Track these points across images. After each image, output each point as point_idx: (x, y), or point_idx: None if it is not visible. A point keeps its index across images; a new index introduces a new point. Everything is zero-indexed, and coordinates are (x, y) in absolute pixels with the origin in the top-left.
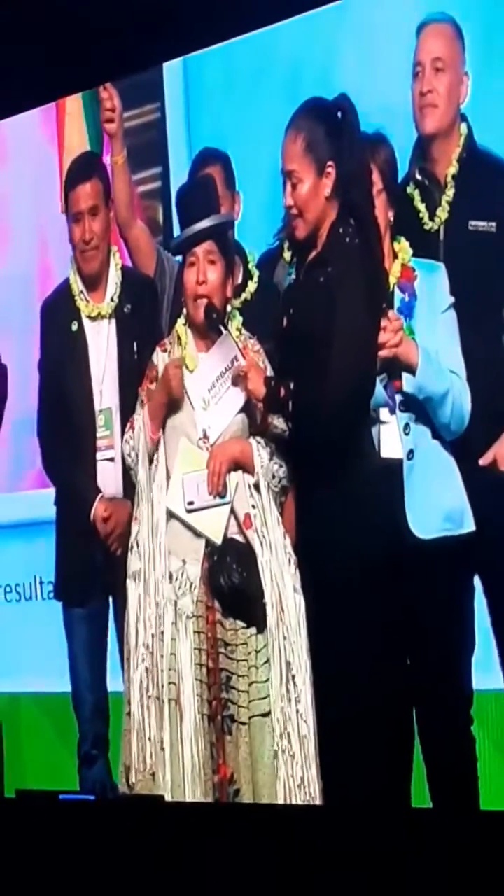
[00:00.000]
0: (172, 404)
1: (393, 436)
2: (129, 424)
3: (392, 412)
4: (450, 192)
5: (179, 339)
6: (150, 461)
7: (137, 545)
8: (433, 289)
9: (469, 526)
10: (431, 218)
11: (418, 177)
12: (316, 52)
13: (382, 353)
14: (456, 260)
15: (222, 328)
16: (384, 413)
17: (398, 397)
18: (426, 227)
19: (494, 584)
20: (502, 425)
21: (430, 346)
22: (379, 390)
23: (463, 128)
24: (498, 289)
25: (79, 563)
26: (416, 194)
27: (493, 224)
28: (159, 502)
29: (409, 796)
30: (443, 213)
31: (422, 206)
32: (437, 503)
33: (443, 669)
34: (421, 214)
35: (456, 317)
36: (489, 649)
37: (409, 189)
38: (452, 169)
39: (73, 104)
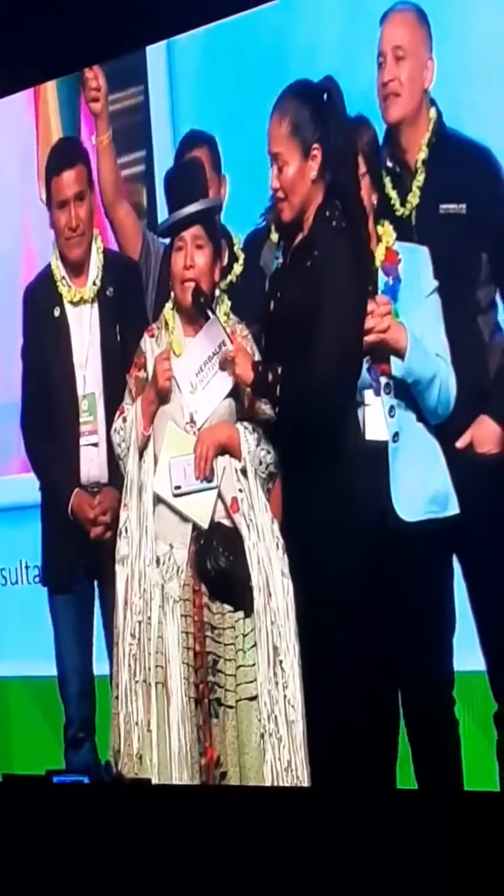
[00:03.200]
0: (163, 399)
1: (378, 418)
2: (118, 413)
3: (377, 394)
4: (420, 178)
5: (167, 323)
6: (141, 455)
7: (126, 531)
8: (417, 272)
9: (454, 509)
10: (403, 204)
11: (389, 164)
12: (300, 35)
13: (369, 338)
14: (428, 244)
15: (210, 312)
16: (369, 395)
17: (383, 380)
18: (398, 213)
19: (476, 565)
20: (480, 408)
21: (416, 329)
22: (364, 373)
23: (432, 112)
24: (472, 270)
25: (64, 549)
26: (388, 181)
27: (463, 206)
28: (147, 488)
29: (395, 778)
30: (413, 198)
31: (393, 193)
32: (422, 486)
33: (426, 650)
34: (392, 201)
35: (440, 300)
36: (470, 631)
37: (381, 176)
38: (422, 154)
39: (47, 91)
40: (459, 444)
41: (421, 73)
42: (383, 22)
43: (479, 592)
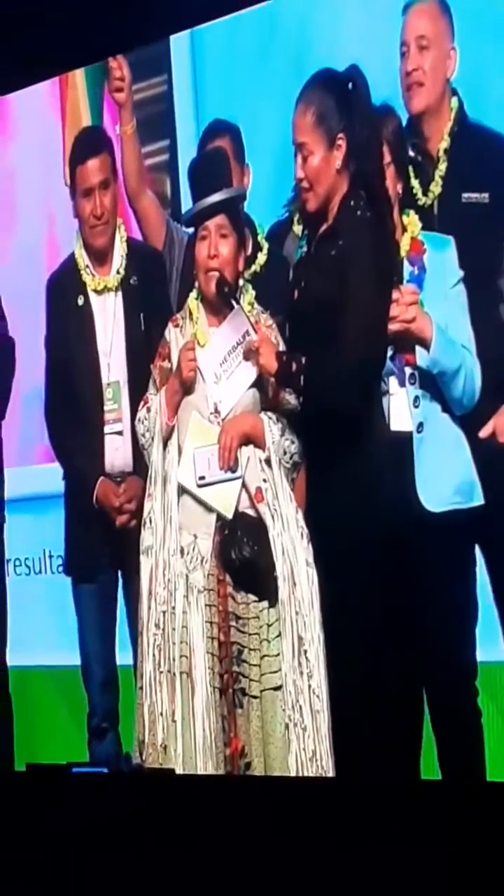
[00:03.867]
0: (187, 389)
1: (403, 409)
2: (142, 403)
3: (402, 385)
4: (442, 167)
5: (191, 313)
6: (165, 445)
7: (150, 521)
8: (442, 262)
9: (478, 499)
10: (425, 193)
11: (411, 153)
12: (323, 24)
13: (394, 327)
14: (451, 233)
15: (234, 302)
16: (394, 385)
17: (408, 370)
18: (420, 203)
19: (500, 556)
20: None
21: (440, 320)
22: (388, 363)
23: (454, 102)
24: (494, 259)
25: (88, 538)
26: (410, 170)
27: (486, 195)
28: (172, 478)
29: (419, 768)
30: (436, 187)
31: (415, 182)
32: (446, 476)
33: (449, 641)
34: (415, 190)
35: (465, 291)
36: (493, 621)
37: (406, 165)
38: (444, 143)
39: (76, 78)
40: (482, 433)
41: (444, 63)
42: (406, 12)
43: (503, 583)
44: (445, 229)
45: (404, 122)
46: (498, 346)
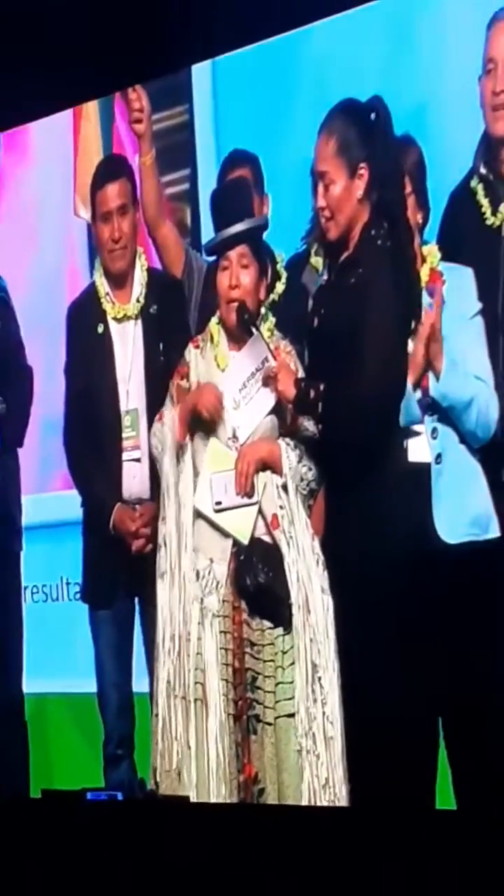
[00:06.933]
0: (203, 420)
1: (421, 440)
2: (157, 417)
3: (420, 416)
4: None
5: (212, 337)
6: (177, 461)
7: (165, 545)
8: (461, 294)
9: (494, 532)
10: (494, 213)
11: (483, 171)
12: (345, 54)
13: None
14: None
15: (254, 329)
16: (412, 416)
17: (425, 401)
18: (488, 223)
19: None
20: None
21: (457, 351)
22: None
23: None
24: None
25: (105, 566)
26: (480, 188)
27: None
28: (186, 502)
29: (434, 798)
30: None
31: (485, 201)
32: (464, 508)
33: (465, 670)
34: (483, 209)
35: (483, 323)
36: None
37: (473, 183)
38: None
39: (89, 109)
40: None
41: None
42: (491, 27)
43: None
44: None
45: (476, 141)
46: None
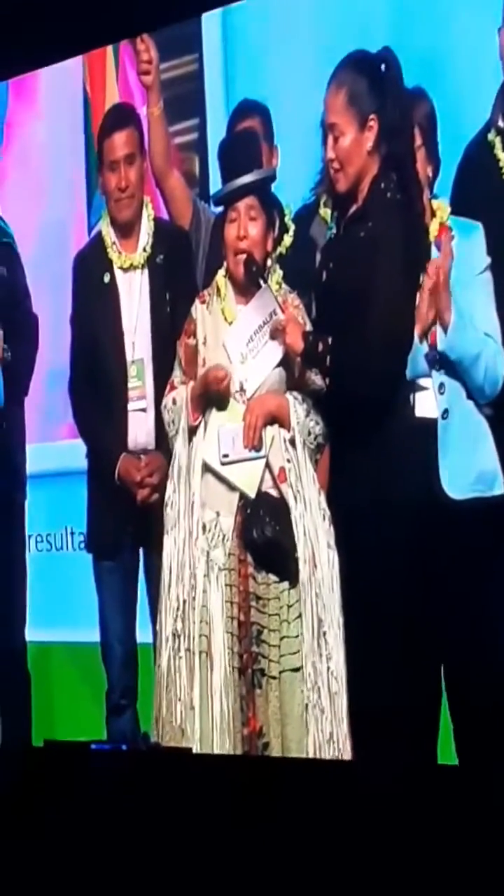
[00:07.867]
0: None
1: (428, 395)
2: (168, 388)
3: (428, 370)
4: None
5: (219, 290)
6: (190, 439)
7: (173, 501)
8: (470, 249)
9: (500, 488)
10: None
11: (501, 124)
12: (355, 4)
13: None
14: None
15: (262, 281)
16: (419, 370)
17: (433, 355)
18: None
19: None
20: None
21: (465, 307)
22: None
23: None
24: None
25: (110, 516)
26: (498, 141)
27: None
28: (196, 458)
29: (436, 753)
30: None
31: (502, 155)
32: (470, 464)
33: (470, 626)
34: (501, 163)
35: (492, 279)
36: None
37: (490, 136)
38: None
39: (108, 54)
40: None
41: None
42: None
43: None
44: None
45: (493, 94)
46: None
